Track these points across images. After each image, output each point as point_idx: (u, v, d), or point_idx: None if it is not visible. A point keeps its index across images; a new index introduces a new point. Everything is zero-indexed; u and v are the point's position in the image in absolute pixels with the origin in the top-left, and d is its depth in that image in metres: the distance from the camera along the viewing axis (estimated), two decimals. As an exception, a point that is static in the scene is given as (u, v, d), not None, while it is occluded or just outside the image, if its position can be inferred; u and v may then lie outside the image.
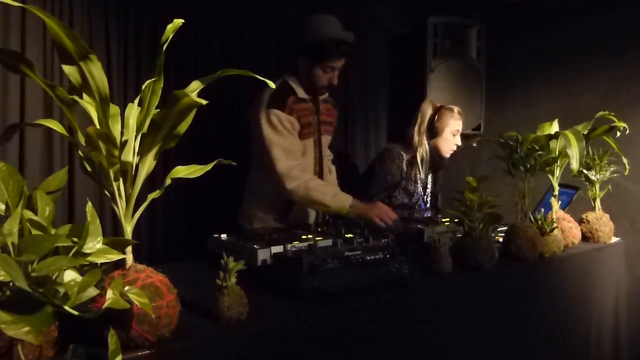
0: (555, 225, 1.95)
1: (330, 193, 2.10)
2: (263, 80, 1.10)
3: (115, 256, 0.95)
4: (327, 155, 2.41)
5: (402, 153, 2.54)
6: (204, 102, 0.91)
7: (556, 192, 2.11)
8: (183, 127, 0.96)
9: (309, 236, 1.74)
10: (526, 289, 1.80)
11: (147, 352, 0.99)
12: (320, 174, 2.30)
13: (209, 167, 1.18)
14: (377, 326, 1.36)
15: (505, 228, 1.90)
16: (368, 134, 3.44)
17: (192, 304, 1.23)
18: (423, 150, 2.52)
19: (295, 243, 1.60)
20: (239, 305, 1.16)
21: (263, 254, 1.54)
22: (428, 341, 1.49)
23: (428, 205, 2.66)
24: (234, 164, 1.20)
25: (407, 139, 2.56)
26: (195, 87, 1.05)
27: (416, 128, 2.54)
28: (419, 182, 2.58)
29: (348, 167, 3.28)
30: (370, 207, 2.07)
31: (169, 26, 1.07)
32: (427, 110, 2.55)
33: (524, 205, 1.87)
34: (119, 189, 1.01)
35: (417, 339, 1.46)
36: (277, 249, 1.57)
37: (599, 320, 2.11)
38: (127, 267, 1.04)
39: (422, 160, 2.53)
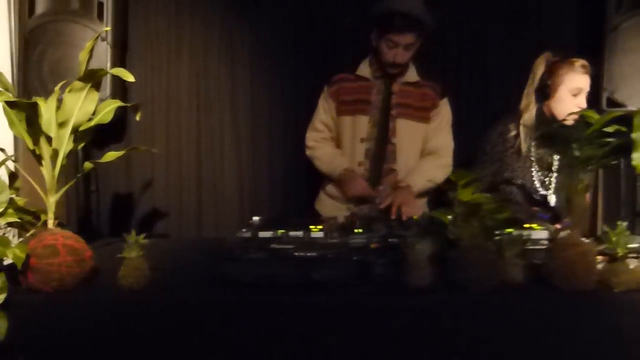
0: None
1: (328, 161, 2.20)
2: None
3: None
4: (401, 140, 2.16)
5: (511, 125, 2.03)
6: None
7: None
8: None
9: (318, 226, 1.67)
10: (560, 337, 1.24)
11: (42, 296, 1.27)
12: (378, 156, 2.14)
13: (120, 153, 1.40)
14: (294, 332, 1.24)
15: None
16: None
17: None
18: (528, 115, 1.98)
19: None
20: (131, 277, 1.31)
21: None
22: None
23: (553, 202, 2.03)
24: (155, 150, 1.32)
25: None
26: None
27: (525, 90, 2.00)
28: (534, 172, 1.99)
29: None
30: (346, 179, 2.11)
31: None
32: (539, 66, 1.98)
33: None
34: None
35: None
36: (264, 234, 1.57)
37: None
38: (47, 229, 1.35)
39: (525, 128, 1.98)
